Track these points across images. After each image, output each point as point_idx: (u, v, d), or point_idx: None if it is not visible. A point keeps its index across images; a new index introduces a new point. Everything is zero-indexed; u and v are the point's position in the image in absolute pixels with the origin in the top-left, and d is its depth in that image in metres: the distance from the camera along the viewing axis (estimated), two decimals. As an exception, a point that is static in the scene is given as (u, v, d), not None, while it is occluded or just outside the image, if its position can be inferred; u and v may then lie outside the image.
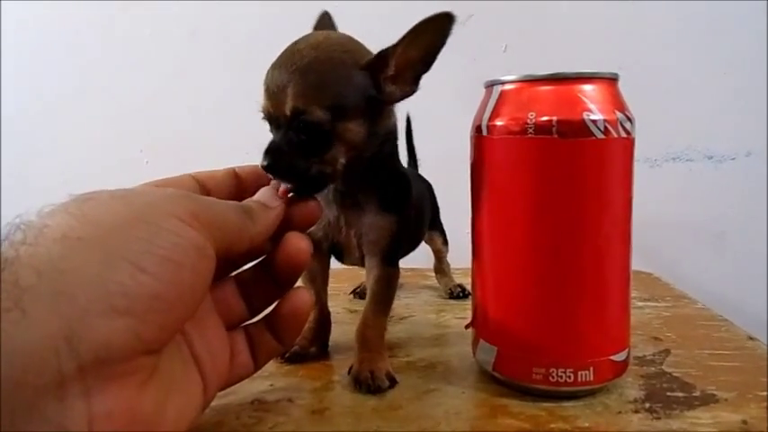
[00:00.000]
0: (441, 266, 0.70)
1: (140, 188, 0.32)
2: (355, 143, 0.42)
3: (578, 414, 0.37)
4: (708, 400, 0.38)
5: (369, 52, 0.43)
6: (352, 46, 0.43)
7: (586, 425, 0.36)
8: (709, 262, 0.80)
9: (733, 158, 0.80)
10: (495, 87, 0.40)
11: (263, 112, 0.42)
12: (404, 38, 0.40)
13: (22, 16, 0.96)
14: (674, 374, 0.43)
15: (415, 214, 0.53)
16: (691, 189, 0.81)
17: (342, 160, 0.42)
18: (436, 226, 0.68)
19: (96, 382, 0.24)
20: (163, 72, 0.93)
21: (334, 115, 0.40)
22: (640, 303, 0.60)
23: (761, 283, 0.79)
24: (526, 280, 0.38)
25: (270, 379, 0.44)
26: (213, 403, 0.39)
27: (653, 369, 0.44)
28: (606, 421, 0.36)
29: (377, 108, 0.43)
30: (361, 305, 0.65)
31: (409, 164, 0.69)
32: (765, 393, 0.39)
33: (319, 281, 0.51)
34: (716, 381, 0.41)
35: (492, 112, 0.39)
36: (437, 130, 0.71)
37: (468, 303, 0.65)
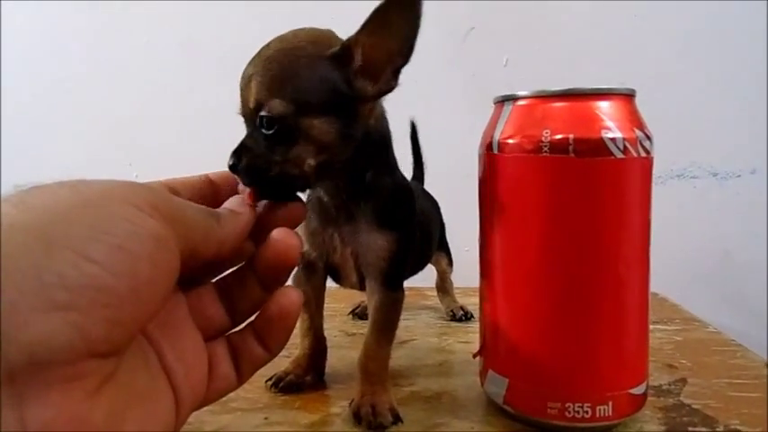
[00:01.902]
0: (444, 285, 0.68)
1: (94, 179, 0.28)
2: (324, 143, 0.38)
3: (597, 453, 0.34)
4: (733, 437, 0.36)
5: (336, 42, 0.39)
6: (324, 39, 0.40)
7: (607, 465, 0.33)
8: (714, 281, 0.78)
9: (738, 176, 0.79)
10: (506, 103, 0.37)
11: (239, 107, 0.40)
12: (364, 25, 0.36)
13: (7, 26, 0.93)
14: (694, 407, 0.41)
15: (420, 233, 0.50)
16: (695, 206, 0.79)
17: (310, 161, 0.38)
18: (442, 246, 0.66)
19: (32, 388, 0.20)
20: (153, 83, 0.91)
21: (298, 109, 0.37)
22: (650, 326, 0.58)
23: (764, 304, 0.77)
24: (540, 307, 0.36)
25: (264, 411, 0.41)
26: (203, 440, 0.37)
27: (671, 401, 0.42)
28: (628, 461, 0.34)
29: (350, 106, 0.39)
30: (359, 327, 0.63)
31: (415, 174, 0.66)
32: (793, 429, 0.37)
33: (313, 305, 0.48)
34: (738, 414, 0.39)
35: (504, 129, 0.37)
36: (436, 145, 0.69)
37: (472, 325, 0.63)
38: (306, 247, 0.46)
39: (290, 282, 0.49)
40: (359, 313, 0.66)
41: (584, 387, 0.35)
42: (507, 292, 0.38)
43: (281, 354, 0.52)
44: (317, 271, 0.47)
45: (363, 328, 0.62)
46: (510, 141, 0.36)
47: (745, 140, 0.78)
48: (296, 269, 0.48)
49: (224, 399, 0.42)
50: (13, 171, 0.94)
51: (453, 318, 0.64)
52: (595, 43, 0.79)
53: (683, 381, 0.45)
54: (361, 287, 0.47)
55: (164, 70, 0.91)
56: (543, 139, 0.34)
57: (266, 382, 0.45)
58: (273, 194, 0.37)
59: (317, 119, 0.38)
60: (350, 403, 0.41)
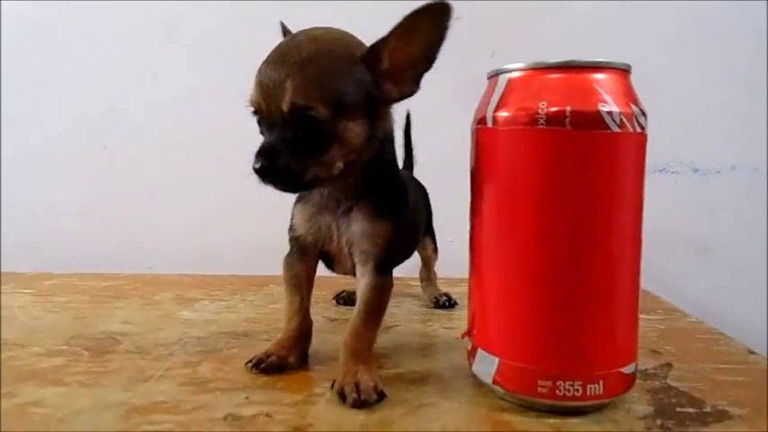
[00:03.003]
0: (428, 274, 0.67)
1: None
2: (354, 145, 0.40)
3: (587, 431, 0.34)
4: (721, 417, 0.36)
5: (363, 45, 0.40)
6: (351, 40, 0.41)
7: (598, 443, 0.32)
8: (695, 275, 0.79)
9: (718, 172, 0.80)
10: (501, 76, 0.37)
11: (255, 108, 0.40)
12: (395, 29, 0.38)
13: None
14: (681, 389, 0.40)
15: (410, 221, 0.50)
16: (677, 201, 0.80)
17: (339, 164, 0.39)
18: (429, 231, 0.65)
19: None
20: (129, 67, 0.88)
21: (335, 113, 0.37)
22: (633, 315, 0.58)
23: (747, 297, 0.78)
24: (533, 284, 0.35)
25: (245, 391, 0.40)
26: (180, 418, 0.35)
27: (657, 383, 0.41)
28: (618, 439, 0.33)
29: (376, 108, 0.41)
30: (342, 313, 0.62)
31: (405, 164, 0.67)
32: (779, 409, 0.37)
33: (305, 287, 0.47)
34: (725, 396, 0.39)
35: (498, 102, 0.36)
36: (422, 135, 0.69)
37: (455, 312, 0.62)
38: (301, 232, 0.46)
39: (282, 264, 0.48)
40: (344, 298, 0.65)
41: (575, 365, 0.35)
42: (499, 269, 0.37)
43: (262, 338, 0.52)
44: (310, 254, 0.47)
45: (347, 314, 0.61)
46: (505, 114, 0.35)
47: (725, 137, 0.80)
48: (289, 251, 0.48)
49: (202, 379, 0.42)
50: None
51: (437, 305, 0.64)
52: (582, 36, 0.80)
53: (669, 365, 0.45)
54: (353, 273, 0.47)
55: (143, 52, 0.88)
56: (539, 111, 0.34)
57: (246, 363, 0.44)
58: (293, 191, 0.40)
59: (352, 122, 0.39)
60: (332, 383, 0.40)
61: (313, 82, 0.37)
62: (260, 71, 0.39)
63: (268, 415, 0.36)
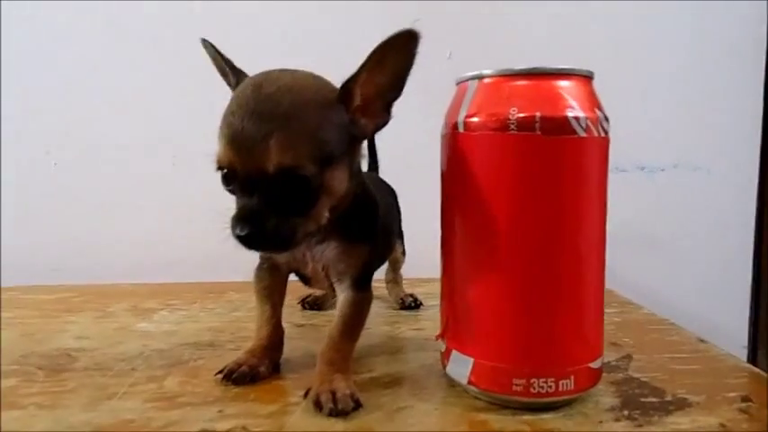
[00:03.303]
0: (394, 276, 0.67)
1: None
2: (340, 191, 0.38)
3: (560, 426, 0.35)
4: (682, 405, 0.38)
5: (332, 85, 0.39)
6: (321, 82, 0.39)
7: (572, 437, 0.34)
8: (642, 268, 0.83)
9: (662, 170, 0.84)
10: (470, 82, 0.37)
11: (225, 168, 0.36)
12: (365, 64, 0.37)
13: None
14: (642, 380, 0.42)
15: (383, 232, 0.51)
16: (625, 198, 0.83)
17: (326, 214, 0.38)
18: (399, 234, 0.65)
19: None
20: (73, 63, 0.83)
21: (322, 166, 0.36)
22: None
23: (691, 287, 0.83)
24: (505, 284, 0.36)
25: (217, 404, 0.39)
26: (153, 436, 0.34)
27: (621, 375, 0.43)
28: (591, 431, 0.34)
29: (354, 146, 0.40)
30: (308, 318, 0.61)
31: (370, 166, 0.66)
32: (733, 395, 0.39)
33: (276, 297, 0.47)
34: (683, 384, 0.41)
35: (469, 108, 0.37)
36: (380, 137, 0.68)
37: (422, 313, 0.63)
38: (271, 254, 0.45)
39: (252, 276, 0.48)
40: (309, 302, 0.64)
41: (547, 363, 0.36)
42: (471, 271, 0.37)
43: (228, 347, 0.51)
44: (281, 269, 0.47)
45: (312, 318, 0.61)
46: (476, 119, 0.36)
47: (668, 137, 0.84)
48: (259, 265, 0.48)
49: (170, 394, 0.40)
50: None
51: (403, 306, 0.64)
52: (536, 37, 0.82)
53: (629, 357, 0.47)
54: (332, 290, 0.46)
55: (88, 50, 0.84)
56: (510, 116, 0.34)
57: (216, 374, 0.43)
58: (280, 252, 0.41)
59: (337, 169, 0.37)
60: (305, 392, 0.39)
61: (299, 138, 0.34)
62: (229, 126, 0.35)
63: (244, 428, 0.35)
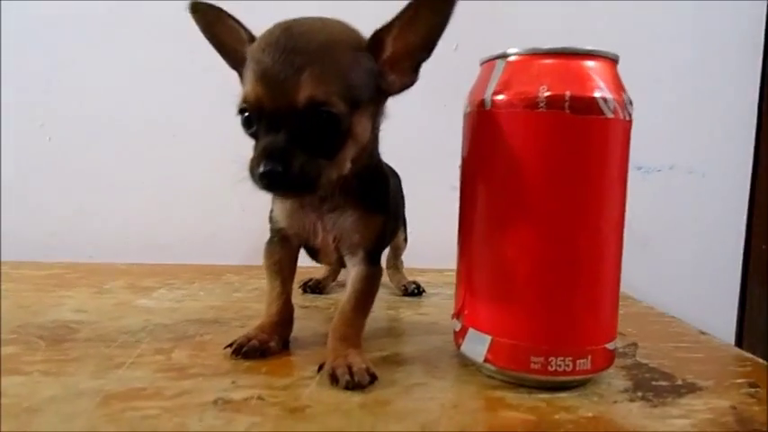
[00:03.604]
0: (395, 262, 0.67)
1: None
2: (364, 141, 0.38)
3: (578, 404, 0.35)
4: (692, 388, 0.38)
5: (362, 34, 0.38)
6: (349, 28, 0.39)
7: (590, 414, 0.34)
8: (635, 266, 0.84)
9: (659, 170, 0.86)
10: (497, 61, 0.38)
11: (251, 103, 0.35)
12: (399, 16, 0.36)
13: None
14: (651, 365, 0.43)
15: (393, 209, 0.51)
16: (622, 197, 0.85)
17: (349, 163, 0.37)
18: (402, 220, 0.65)
19: None
20: (69, 36, 0.81)
21: (351, 107, 0.35)
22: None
23: (681, 286, 0.84)
24: (526, 262, 0.36)
25: (229, 376, 0.38)
26: (166, 404, 0.33)
27: (629, 361, 0.44)
28: (607, 410, 0.35)
29: (380, 100, 0.40)
30: (312, 300, 0.61)
31: None
32: (740, 381, 0.40)
33: (286, 273, 0.46)
34: (690, 370, 0.42)
35: (497, 86, 0.37)
36: (385, 125, 0.69)
37: (424, 300, 0.63)
38: (283, 225, 0.45)
39: (262, 251, 0.47)
40: (311, 286, 0.63)
41: (566, 341, 0.36)
42: (492, 249, 0.38)
43: (234, 324, 0.50)
44: (291, 242, 0.46)
45: (317, 301, 0.61)
46: (504, 97, 0.36)
47: (665, 138, 0.85)
48: (269, 239, 0.47)
49: (179, 366, 0.40)
50: None
51: (406, 293, 0.64)
52: (541, 30, 0.83)
53: (635, 345, 0.48)
54: (339, 264, 0.47)
55: (83, 25, 0.82)
56: (540, 94, 0.35)
57: (225, 348, 0.42)
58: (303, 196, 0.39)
59: (363, 115, 0.37)
60: (319, 367, 0.39)
61: (330, 75, 0.34)
62: (258, 62, 0.34)
63: (260, 398, 0.35)
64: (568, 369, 0.36)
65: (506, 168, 0.36)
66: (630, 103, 0.37)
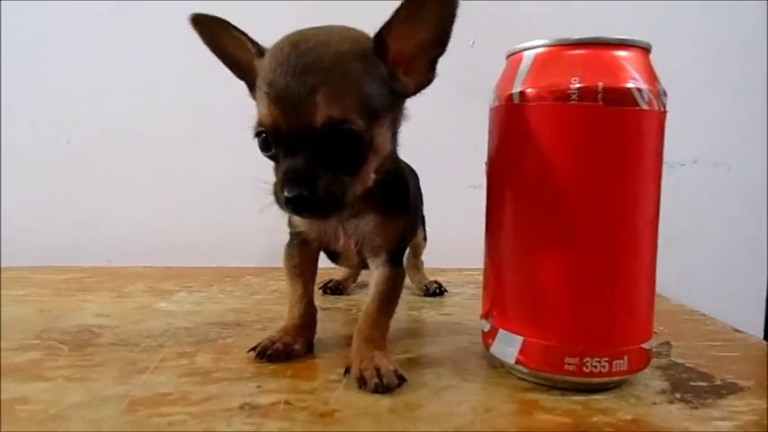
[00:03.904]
0: (415, 262, 0.66)
1: None
2: (384, 151, 0.37)
3: (615, 407, 0.34)
4: (733, 389, 0.37)
5: (368, 36, 0.37)
6: (355, 33, 0.37)
7: (629, 417, 0.33)
8: (661, 263, 0.82)
9: (682, 165, 0.84)
10: (526, 53, 0.36)
11: (268, 127, 0.34)
12: (396, 13, 0.35)
13: None
14: (687, 365, 0.41)
15: (413, 208, 0.50)
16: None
17: (373, 175, 0.37)
18: (421, 219, 0.64)
19: None
20: (88, 39, 0.81)
21: (369, 121, 0.34)
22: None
23: (706, 283, 0.82)
24: (560, 260, 0.35)
25: (254, 380, 0.37)
26: (193, 409, 0.33)
27: (664, 361, 0.42)
28: (646, 412, 0.33)
29: (396, 104, 0.39)
30: (332, 302, 0.60)
31: None
32: (783, 380, 0.39)
33: (307, 274, 0.46)
34: (729, 370, 0.40)
35: (526, 78, 0.36)
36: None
37: (446, 300, 0.62)
38: (302, 229, 0.45)
39: (283, 253, 0.47)
40: (331, 287, 0.63)
41: (602, 341, 0.35)
42: (524, 247, 0.36)
43: (255, 327, 0.50)
44: (311, 245, 0.45)
45: (337, 302, 0.60)
46: (534, 90, 0.35)
47: (689, 132, 0.83)
48: (289, 242, 0.47)
49: (203, 370, 0.39)
50: None
51: (427, 293, 0.63)
52: (559, 27, 0.81)
53: (668, 344, 0.46)
54: (359, 267, 0.47)
55: (99, 26, 0.82)
56: (571, 86, 0.33)
57: (249, 351, 0.41)
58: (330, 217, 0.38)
59: (383, 126, 0.36)
60: (345, 370, 0.38)
61: (345, 91, 0.33)
62: (271, 84, 0.34)
63: (287, 402, 0.34)
64: (604, 370, 0.35)
65: (536, 164, 0.35)
66: (665, 93, 0.36)
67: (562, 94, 0.34)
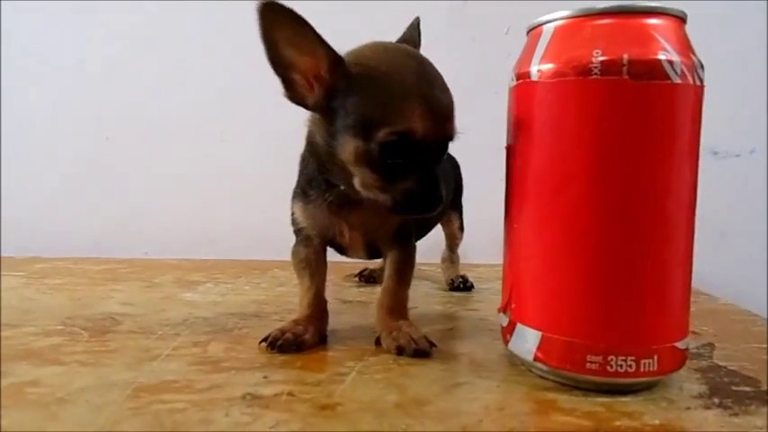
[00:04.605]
0: (450, 255, 0.64)
1: None
2: None
3: (643, 410, 0.31)
4: (782, 395, 0.33)
5: None
6: None
7: (656, 422, 0.30)
8: (710, 261, 0.76)
9: (737, 155, 0.78)
10: (545, 26, 0.34)
11: (416, 135, 0.36)
12: None
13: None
14: (730, 368, 0.38)
15: None
16: (695, 185, 0.77)
17: None
18: (456, 206, 0.62)
19: None
20: (125, 39, 0.84)
21: None
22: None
23: (760, 284, 0.76)
24: (582, 248, 0.32)
25: (262, 370, 0.37)
26: (195, 397, 0.32)
27: (704, 363, 0.39)
28: (678, 417, 0.30)
29: None
30: (355, 295, 0.59)
31: None
32: (841, 388, 0.34)
33: (314, 265, 0.46)
34: (779, 375, 0.36)
35: (544, 54, 0.33)
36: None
37: (473, 296, 0.59)
38: (305, 226, 0.46)
39: (290, 253, 0.47)
40: (366, 276, 0.63)
41: (628, 338, 0.32)
42: (542, 235, 0.34)
43: (273, 318, 0.49)
44: (315, 241, 0.46)
45: (360, 296, 0.59)
46: (552, 66, 0.32)
47: (745, 120, 0.77)
48: (295, 242, 0.48)
49: (213, 359, 0.38)
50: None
51: (452, 287, 0.61)
52: None
53: (711, 345, 0.42)
54: (367, 258, 0.48)
55: (141, 27, 0.84)
56: (593, 60, 0.31)
57: (260, 342, 0.41)
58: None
59: None
60: (376, 340, 0.41)
61: None
62: (424, 96, 0.36)
63: (291, 394, 0.33)
64: (630, 370, 0.32)
65: (558, 145, 0.33)
66: (702, 66, 0.32)
67: (583, 68, 0.31)
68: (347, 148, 0.37)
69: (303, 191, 0.45)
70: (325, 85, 0.37)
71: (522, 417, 0.30)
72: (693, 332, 0.46)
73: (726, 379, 0.36)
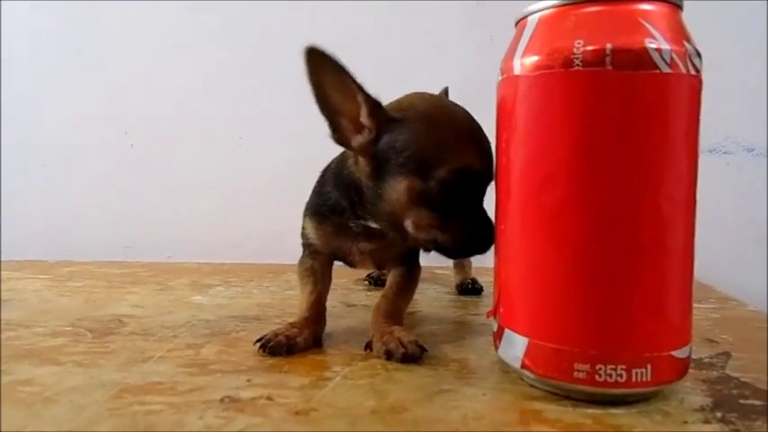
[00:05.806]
0: (462, 260, 0.63)
1: None
2: None
3: (634, 423, 0.29)
4: (795, 411, 0.30)
5: None
6: None
7: (646, 437, 0.28)
8: (749, 264, 0.72)
9: (782, 156, 0.73)
10: (530, 18, 0.32)
11: (477, 173, 0.39)
12: None
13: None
14: (743, 380, 0.35)
15: None
16: (728, 185, 0.73)
17: None
18: None
19: None
20: (150, 50, 0.87)
21: None
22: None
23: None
24: (568, 250, 0.30)
25: (247, 373, 0.36)
26: (173, 399, 0.32)
27: (715, 373, 0.36)
28: (671, 433, 0.28)
29: None
30: (360, 299, 0.58)
31: None
32: None
33: (318, 275, 0.47)
34: (797, 389, 0.33)
35: (527, 46, 0.32)
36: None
37: (483, 300, 0.58)
38: (316, 243, 0.48)
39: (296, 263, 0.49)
40: (375, 277, 0.63)
41: (618, 346, 0.30)
42: (528, 236, 0.32)
43: (273, 321, 0.49)
44: (322, 254, 0.48)
45: (364, 300, 0.58)
46: (535, 58, 0.31)
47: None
48: (302, 254, 0.49)
49: (203, 361, 0.39)
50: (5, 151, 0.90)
51: (460, 290, 0.59)
52: None
53: (727, 354, 0.39)
54: (377, 270, 0.52)
55: (164, 35, 0.86)
56: (575, 50, 0.29)
57: (254, 343, 0.41)
58: None
59: None
60: (366, 344, 0.41)
61: None
62: (476, 140, 0.40)
63: (269, 398, 0.32)
64: (621, 380, 0.30)
65: (541, 142, 0.31)
66: (697, 54, 0.30)
67: (565, 60, 0.29)
68: (399, 188, 0.39)
69: (319, 211, 0.47)
70: (370, 128, 0.39)
71: (500, 426, 0.29)
72: (710, 340, 0.43)
73: (735, 391, 0.33)
